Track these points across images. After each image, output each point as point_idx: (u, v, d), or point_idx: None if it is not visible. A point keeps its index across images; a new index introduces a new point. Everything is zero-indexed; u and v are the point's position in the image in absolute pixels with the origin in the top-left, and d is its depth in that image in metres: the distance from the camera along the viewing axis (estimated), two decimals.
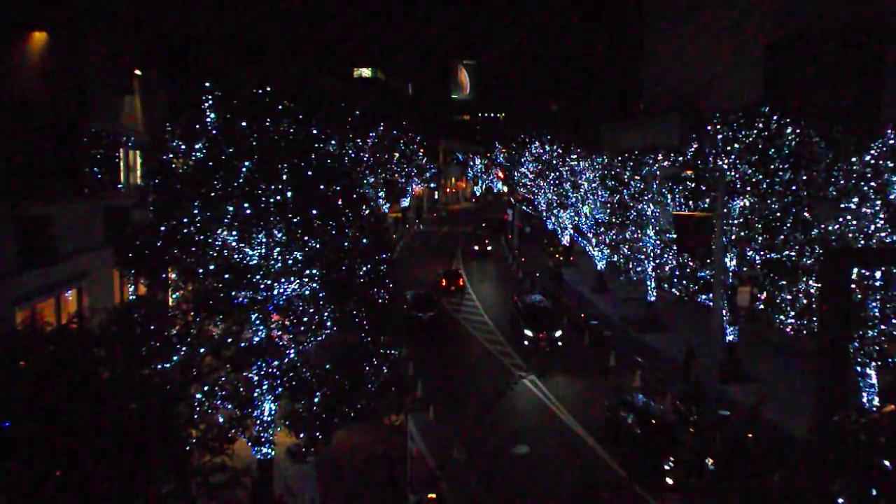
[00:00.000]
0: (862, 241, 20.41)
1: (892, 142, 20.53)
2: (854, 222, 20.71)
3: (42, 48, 20.36)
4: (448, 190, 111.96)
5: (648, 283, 34.94)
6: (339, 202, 16.24)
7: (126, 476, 9.28)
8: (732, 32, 48.57)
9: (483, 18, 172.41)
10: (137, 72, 24.71)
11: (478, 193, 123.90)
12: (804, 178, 25.06)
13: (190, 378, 12.80)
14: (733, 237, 26.32)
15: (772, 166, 25.47)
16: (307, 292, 15.82)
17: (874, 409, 19.63)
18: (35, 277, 16.88)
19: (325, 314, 15.83)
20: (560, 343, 30.93)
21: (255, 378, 15.36)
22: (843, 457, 14.33)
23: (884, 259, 19.57)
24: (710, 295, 26.80)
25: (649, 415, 20.82)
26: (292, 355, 15.76)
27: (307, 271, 15.71)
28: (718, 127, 27.01)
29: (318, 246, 15.77)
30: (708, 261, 26.99)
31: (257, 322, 15.65)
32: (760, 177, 25.64)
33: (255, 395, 15.46)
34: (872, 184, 20.53)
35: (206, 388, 14.46)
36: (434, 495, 16.68)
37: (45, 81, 20.34)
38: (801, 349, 27.00)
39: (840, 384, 17.11)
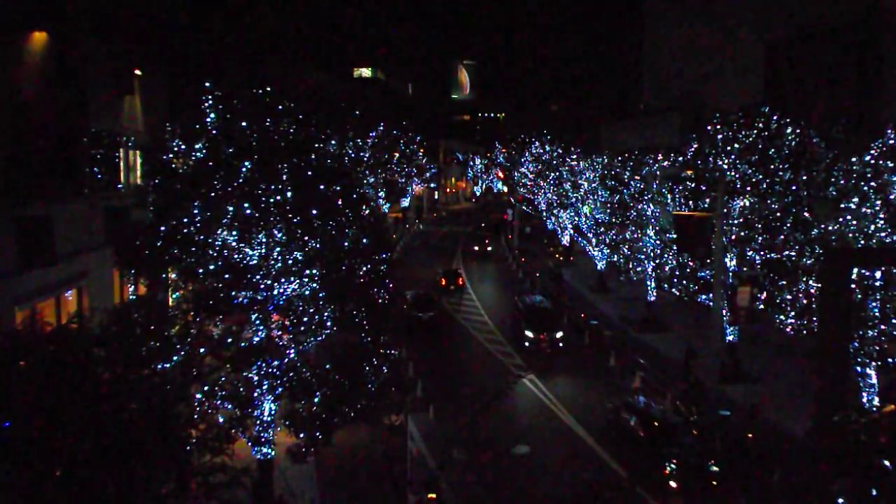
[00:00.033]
0: (862, 241, 20.41)
1: (892, 142, 20.54)
2: (854, 222, 20.72)
3: (42, 48, 20.35)
4: (448, 190, 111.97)
5: (648, 283, 34.94)
6: (339, 202, 16.23)
7: (126, 476, 9.28)
8: (732, 32, 48.56)
9: (483, 18, 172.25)
10: (137, 72, 24.70)
11: (478, 193, 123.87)
12: (804, 178, 25.06)
13: (190, 378, 12.81)
14: (733, 237, 26.31)
15: (772, 166, 25.47)
16: (307, 292, 15.82)
17: (874, 409, 19.64)
18: (35, 277, 16.87)
19: (325, 314, 15.83)
20: (561, 344, 30.95)
21: (255, 378, 15.36)
22: (843, 457, 14.35)
23: (884, 259, 19.57)
24: (710, 295, 26.81)
25: (651, 417, 20.81)
26: (292, 355, 15.76)
27: (307, 271, 15.70)
28: (718, 127, 27.00)
29: (318, 246, 15.77)
30: (708, 261, 26.99)
31: (257, 322, 15.64)
32: (760, 177, 25.63)
33: (255, 395, 15.46)
34: (872, 184, 20.54)
35: (206, 388, 14.48)
36: (434, 495, 16.71)
37: (45, 81, 20.33)
38: (801, 349, 27.00)
39: (840, 384, 17.13)
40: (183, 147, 16.32)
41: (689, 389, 24.12)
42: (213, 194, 15.31)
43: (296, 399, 15.60)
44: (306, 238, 15.63)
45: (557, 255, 54.54)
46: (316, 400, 15.42)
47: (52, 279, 17.74)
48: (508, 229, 65.52)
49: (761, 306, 25.48)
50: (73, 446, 8.93)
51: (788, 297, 24.34)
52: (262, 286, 15.47)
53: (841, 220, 21.17)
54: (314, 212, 15.55)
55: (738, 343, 27.75)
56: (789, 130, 25.61)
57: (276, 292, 15.63)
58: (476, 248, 59.63)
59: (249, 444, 15.95)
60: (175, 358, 12.74)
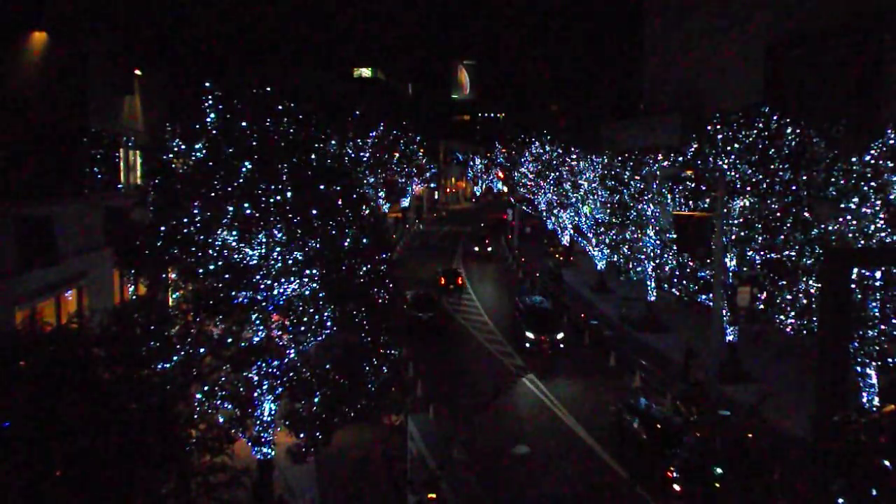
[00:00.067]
0: (862, 241, 20.41)
1: (892, 142, 20.54)
2: (854, 222, 20.72)
3: (42, 48, 20.37)
4: (448, 190, 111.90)
5: (648, 283, 34.93)
6: (339, 202, 16.24)
7: (126, 476, 9.28)
8: (732, 32, 48.54)
9: (483, 18, 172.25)
10: (137, 72, 24.71)
11: (478, 193, 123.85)
12: (804, 178, 25.06)
13: (190, 378, 12.80)
14: (733, 237, 26.31)
15: (772, 166, 25.47)
16: (307, 292, 15.82)
17: (874, 409, 19.63)
18: (35, 277, 16.87)
19: (325, 314, 15.83)
20: (562, 345, 30.95)
21: (255, 378, 15.35)
22: (843, 457, 14.33)
23: (884, 259, 19.57)
24: (710, 295, 26.80)
25: (654, 419, 20.81)
26: (292, 355, 15.76)
27: (307, 271, 15.71)
28: (718, 127, 27.01)
29: (318, 246, 15.78)
30: (708, 261, 26.98)
31: (257, 322, 15.63)
32: (760, 177, 25.63)
33: (255, 395, 15.46)
34: (872, 184, 20.54)
35: (206, 388, 14.48)
36: (434, 495, 16.69)
37: (45, 81, 20.35)
38: (801, 349, 27.01)
39: (840, 384, 17.12)
40: (183, 147, 16.31)
41: (689, 389, 24.12)
42: (213, 194, 15.31)
43: (296, 399, 15.60)
44: (306, 238, 15.63)
45: (557, 255, 54.53)
46: (316, 400, 15.42)
47: (52, 279, 17.74)
48: (508, 229, 65.51)
49: (761, 306, 25.47)
50: (73, 446, 8.92)
51: (788, 297, 24.34)
52: (262, 286, 15.48)
53: (841, 220, 21.18)
54: (314, 212, 15.55)
55: (738, 343, 27.74)
56: (789, 130, 25.61)
57: (276, 292, 15.64)
58: (476, 248, 59.59)
59: (249, 444, 15.95)
60: (175, 358, 12.73)
